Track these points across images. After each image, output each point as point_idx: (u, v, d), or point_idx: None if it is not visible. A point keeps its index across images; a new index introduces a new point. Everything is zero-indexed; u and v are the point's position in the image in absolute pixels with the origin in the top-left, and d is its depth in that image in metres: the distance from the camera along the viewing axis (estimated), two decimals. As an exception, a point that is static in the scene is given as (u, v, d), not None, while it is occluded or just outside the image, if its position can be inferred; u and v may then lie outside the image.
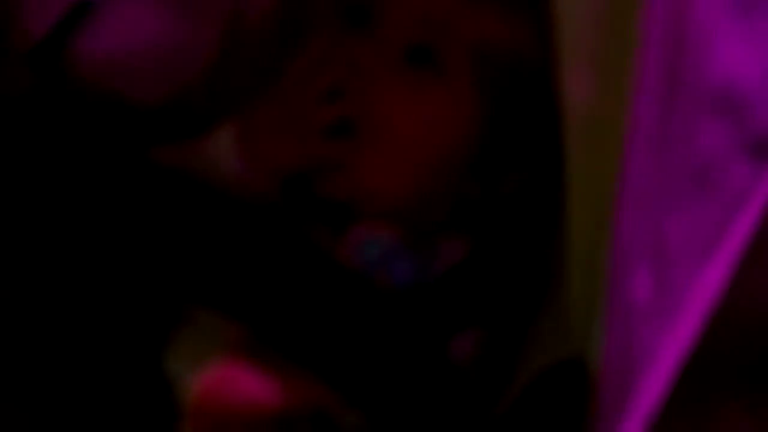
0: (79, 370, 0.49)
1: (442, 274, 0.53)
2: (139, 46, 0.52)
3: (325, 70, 0.52)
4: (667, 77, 0.44)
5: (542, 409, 0.48)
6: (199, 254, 0.44)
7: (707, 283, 0.47)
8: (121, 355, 0.51)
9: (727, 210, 0.47)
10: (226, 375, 0.46)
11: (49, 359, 0.49)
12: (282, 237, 0.44)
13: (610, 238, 0.45)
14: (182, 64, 0.56)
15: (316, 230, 0.52)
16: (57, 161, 0.47)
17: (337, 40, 0.53)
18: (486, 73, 0.54)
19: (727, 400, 0.70)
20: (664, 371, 0.46)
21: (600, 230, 0.46)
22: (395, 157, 0.54)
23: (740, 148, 0.47)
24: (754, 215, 0.49)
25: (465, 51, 0.53)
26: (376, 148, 0.53)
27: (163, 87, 0.55)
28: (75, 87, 0.52)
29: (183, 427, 0.46)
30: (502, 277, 0.56)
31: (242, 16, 0.54)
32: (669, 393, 0.46)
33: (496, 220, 0.57)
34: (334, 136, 0.52)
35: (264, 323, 0.44)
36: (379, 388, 0.43)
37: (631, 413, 0.45)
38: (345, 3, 0.54)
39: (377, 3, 0.54)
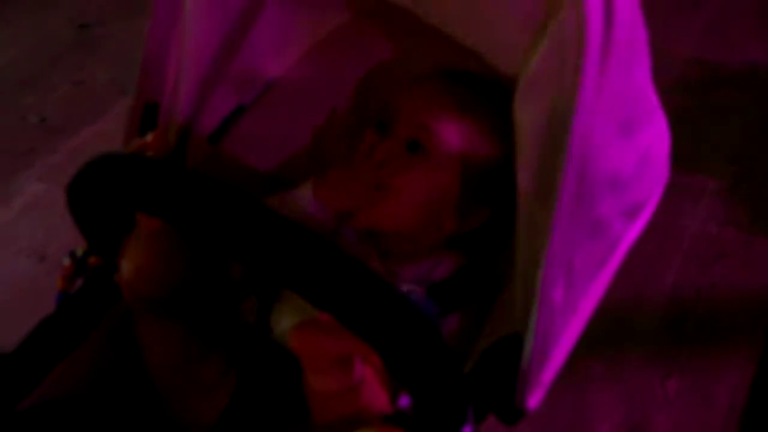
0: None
1: (441, 280, 0.78)
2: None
3: (368, 155, 0.78)
4: (579, 172, 0.60)
5: (495, 366, 0.67)
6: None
7: (594, 292, 0.72)
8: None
9: (608, 249, 0.72)
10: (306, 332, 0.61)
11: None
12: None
13: (542, 263, 0.62)
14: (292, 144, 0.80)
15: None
16: None
17: (373, 138, 0.79)
18: (468, 168, 0.79)
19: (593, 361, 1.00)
20: (567, 344, 0.69)
21: (534, 257, 0.63)
22: (398, 203, 0.79)
23: (619, 212, 0.70)
24: (622, 253, 0.74)
25: (452, 145, 0.78)
26: (389, 198, 0.78)
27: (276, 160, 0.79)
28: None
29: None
30: (476, 281, 0.80)
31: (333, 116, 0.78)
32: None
33: (472, 243, 0.82)
34: (373, 192, 0.77)
35: (331, 307, 0.55)
36: (399, 345, 0.55)
37: (549, 366, 0.67)
38: (376, 119, 0.80)
39: (392, 119, 0.79)
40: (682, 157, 1.63)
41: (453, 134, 0.79)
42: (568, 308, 0.68)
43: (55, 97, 1.87)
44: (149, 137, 0.72)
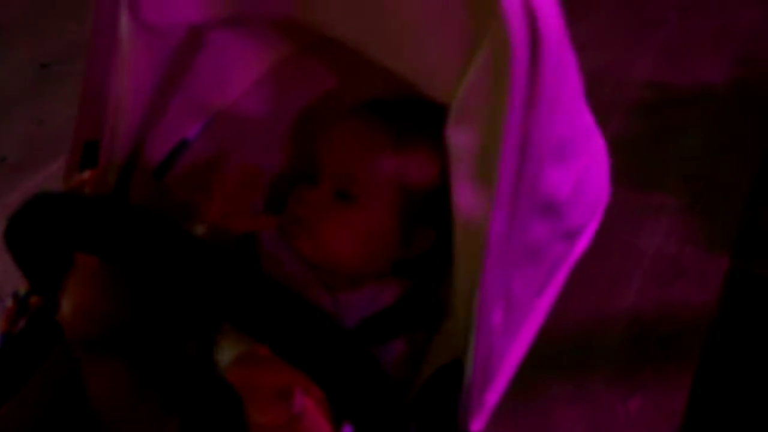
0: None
1: (387, 306, 0.78)
2: None
3: (297, 202, 0.80)
4: (512, 198, 0.61)
5: (438, 391, 0.67)
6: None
7: (536, 315, 0.73)
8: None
9: (549, 271, 0.73)
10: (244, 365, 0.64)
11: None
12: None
13: (479, 288, 0.62)
14: None
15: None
16: None
17: (302, 190, 0.81)
18: (406, 196, 0.80)
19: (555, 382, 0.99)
20: (510, 367, 0.70)
21: (472, 282, 0.63)
22: (333, 248, 0.79)
23: (557, 235, 0.70)
24: (564, 274, 0.75)
25: (379, 185, 0.79)
26: (319, 245, 0.79)
27: None
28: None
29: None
30: (422, 306, 0.80)
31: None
32: (514, 379, 0.70)
33: (419, 267, 0.83)
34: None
35: (269, 340, 0.57)
36: (338, 376, 0.57)
37: (492, 390, 0.68)
38: (306, 173, 0.81)
39: (320, 174, 0.80)
40: (641, 177, 1.68)
41: (382, 171, 0.79)
42: (509, 331, 0.69)
43: (15, 136, 1.86)
44: (86, 174, 0.72)
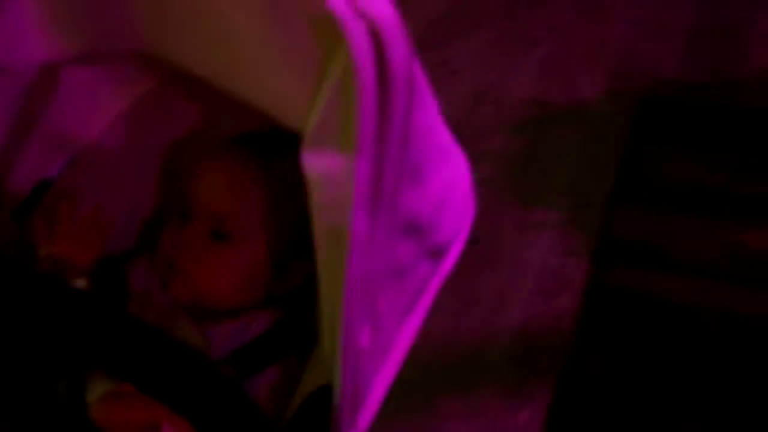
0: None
1: (257, 336, 0.78)
2: None
3: (170, 244, 0.79)
4: (370, 220, 0.61)
5: (309, 417, 0.68)
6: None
7: (407, 332, 0.73)
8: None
9: (416, 291, 0.73)
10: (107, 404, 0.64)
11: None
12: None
13: (342, 312, 0.63)
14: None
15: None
16: None
17: (175, 230, 0.80)
18: (280, 231, 0.79)
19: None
20: (381, 388, 0.70)
21: (336, 306, 0.64)
22: (206, 288, 0.79)
23: (422, 254, 0.71)
24: (433, 293, 0.76)
25: (254, 222, 0.78)
26: (196, 285, 0.79)
27: None
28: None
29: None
30: (293, 334, 0.80)
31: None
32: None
33: (291, 296, 0.83)
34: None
35: (127, 376, 0.60)
36: (204, 408, 0.60)
37: (364, 411, 0.68)
38: (178, 210, 0.80)
39: (190, 209, 0.80)
40: (524, 193, 1.72)
41: (251, 212, 0.79)
42: (377, 353, 0.69)
43: None
44: None
